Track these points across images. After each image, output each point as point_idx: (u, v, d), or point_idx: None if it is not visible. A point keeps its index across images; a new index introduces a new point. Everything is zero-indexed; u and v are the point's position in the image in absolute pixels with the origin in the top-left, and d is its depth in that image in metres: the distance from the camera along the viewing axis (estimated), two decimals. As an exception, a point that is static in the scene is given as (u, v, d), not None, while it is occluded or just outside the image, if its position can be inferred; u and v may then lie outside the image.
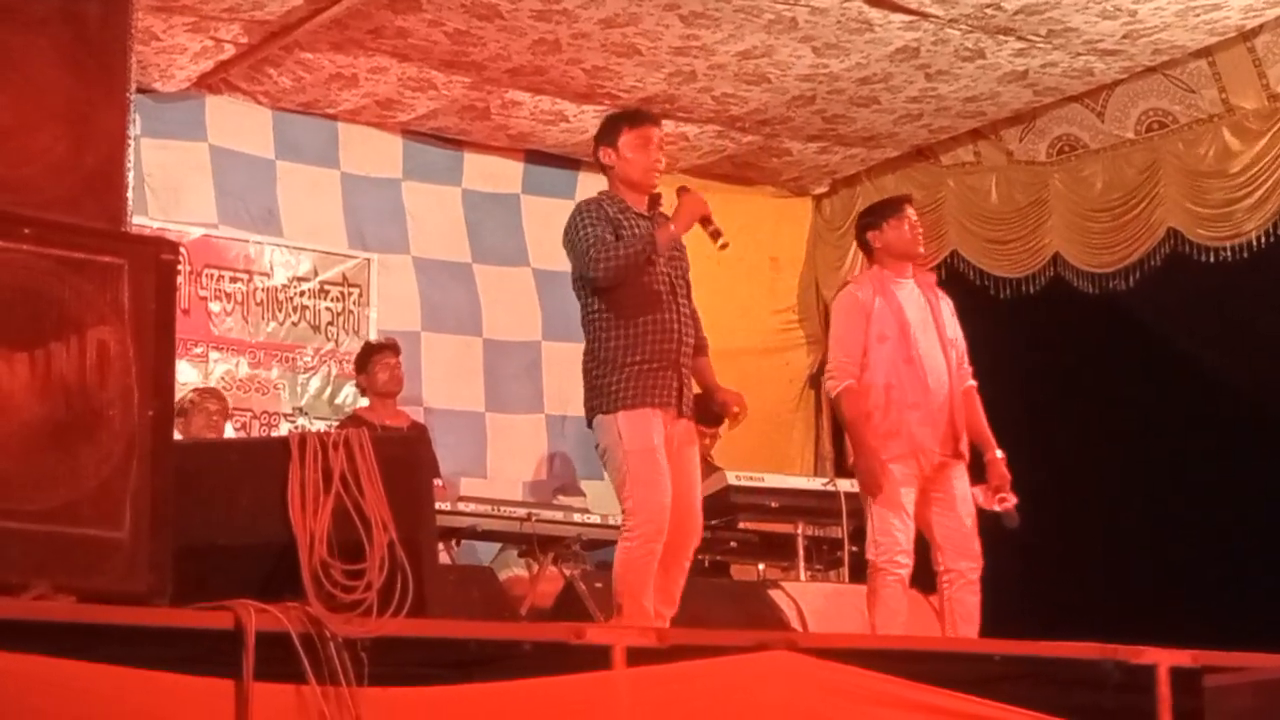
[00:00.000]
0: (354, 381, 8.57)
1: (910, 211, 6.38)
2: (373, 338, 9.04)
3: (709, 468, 8.06)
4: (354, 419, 8.24)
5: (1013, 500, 6.13)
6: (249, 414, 8.72)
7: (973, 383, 6.35)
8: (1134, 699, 5.12)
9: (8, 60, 3.88)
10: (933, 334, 6.20)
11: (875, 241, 6.34)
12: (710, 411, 8.51)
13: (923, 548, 6.07)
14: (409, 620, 4.06)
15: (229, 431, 8.31)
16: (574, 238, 5.58)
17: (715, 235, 5.78)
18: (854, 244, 10.01)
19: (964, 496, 6.11)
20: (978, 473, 6.20)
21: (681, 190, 5.75)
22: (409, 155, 9.40)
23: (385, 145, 9.33)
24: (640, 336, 5.51)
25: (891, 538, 5.99)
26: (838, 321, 6.32)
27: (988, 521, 6.18)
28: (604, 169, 5.75)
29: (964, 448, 6.17)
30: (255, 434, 8.62)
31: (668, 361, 5.52)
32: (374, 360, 8.23)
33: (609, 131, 5.74)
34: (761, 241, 10.39)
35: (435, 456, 8.25)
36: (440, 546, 7.21)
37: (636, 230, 5.58)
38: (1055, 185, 9.15)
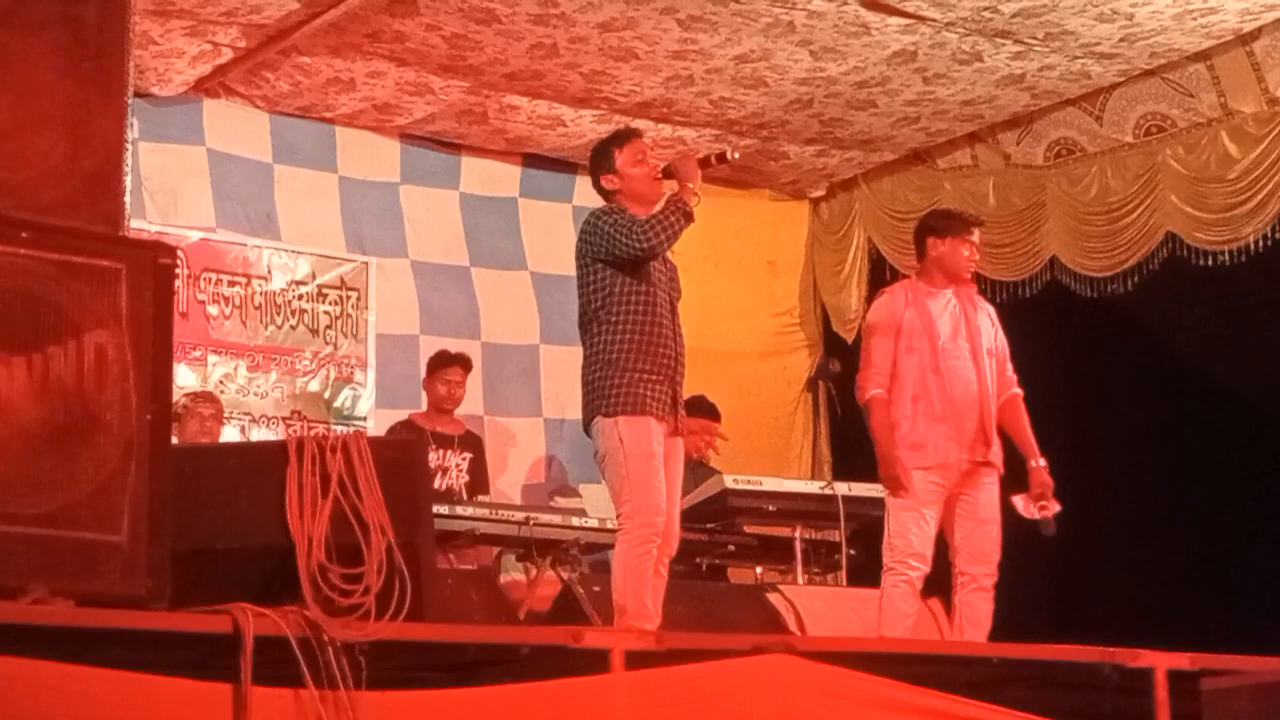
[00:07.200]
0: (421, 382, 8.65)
1: (977, 236, 6.38)
2: (372, 342, 9.07)
3: (709, 471, 8.06)
4: (407, 424, 8.31)
5: (1054, 508, 6.12)
6: (247, 417, 8.71)
7: (1017, 390, 6.34)
8: (1132, 702, 5.12)
9: (6, 64, 3.88)
10: (964, 346, 6.20)
11: (932, 249, 6.32)
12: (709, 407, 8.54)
13: (939, 551, 6.07)
14: (407, 624, 4.07)
15: (227, 435, 8.31)
16: (601, 229, 5.59)
17: (720, 158, 5.88)
18: (852, 246, 10.11)
19: (989, 503, 6.11)
20: (1021, 481, 6.19)
21: (667, 168, 5.79)
22: (407, 159, 9.39)
23: (383, 149, 9.32)
24: (644, 346, 5.55)
25: (906, 540, 6.00)
26: (869, 331, 6.33)
27: (1009, 531, 6.17)
28: (609, 195, 5.78)
29: (994, 456, 6.16)
30: (253, 438, 8.61)
31: (665, 374, 5.57)
32: (439, 372, 8.41)
33: (601, 159, 5.80)
34: (759, 245, 10.40)
35: (486, 470, 8.37)
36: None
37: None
38: (1053, 189, 9.14)
